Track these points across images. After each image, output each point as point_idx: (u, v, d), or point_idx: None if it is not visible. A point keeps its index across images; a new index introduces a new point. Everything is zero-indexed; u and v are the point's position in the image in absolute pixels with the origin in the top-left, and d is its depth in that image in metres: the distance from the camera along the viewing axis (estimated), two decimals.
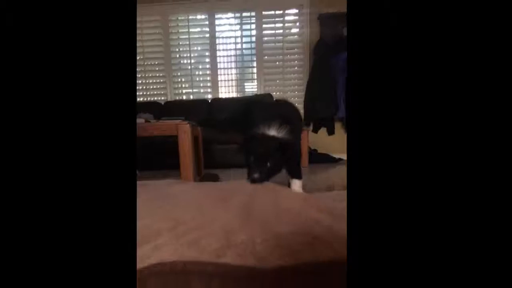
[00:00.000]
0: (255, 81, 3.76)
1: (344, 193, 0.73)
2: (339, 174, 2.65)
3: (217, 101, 3.57)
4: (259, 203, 0.53)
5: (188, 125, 1.76)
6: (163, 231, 0.40)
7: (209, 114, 3.36)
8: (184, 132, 1.75)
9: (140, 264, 0.33)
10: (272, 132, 0.94)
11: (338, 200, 0.59)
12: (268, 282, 0.32)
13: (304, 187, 1.10)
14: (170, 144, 1.81)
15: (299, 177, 1.08)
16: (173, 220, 0.46)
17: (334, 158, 3.44)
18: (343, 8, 3.33)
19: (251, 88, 3.80)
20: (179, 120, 1.84)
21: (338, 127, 3.61)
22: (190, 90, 3.82)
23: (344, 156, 3.50)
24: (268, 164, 0.88)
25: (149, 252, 0.35)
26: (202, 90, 3.82)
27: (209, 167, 2.67)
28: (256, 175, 0.83)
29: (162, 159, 2.80)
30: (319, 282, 0.34)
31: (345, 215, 0.54)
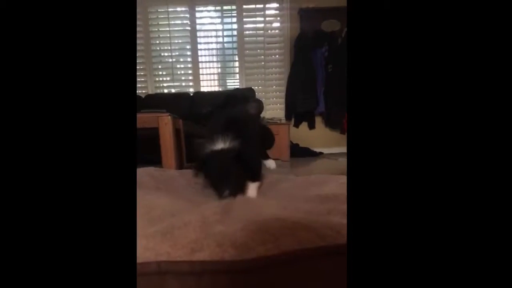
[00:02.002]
0: (237, 75, 3.76)
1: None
2: (320, 167, 2.71)
3: (199, 94, 3.54)
4: (237, 204, 0.54)
5: (169, 116, 1.75)
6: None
7: (191, 108, 3.33)
8: (165, 123, 1.74)
9: None
10: (220, 145, 0.78)
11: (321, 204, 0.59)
12: (250, 275, 0.32)
13: None
14: (146, 138, 1.77)
15: (256, 178, 0.87)
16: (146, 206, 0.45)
17: (315, 152, 3.51)
18: (322, 3, 3.39)
19: (233, 82, 3.79)
20: (160, 112, 1.82)
21: (319, 121, 3.68)
22: (172, 84, 3.77)
23: (324, 150, 3.57)
24: (231, 178, 0.74)
25: None
26: (183, 84, 3.78)
27: (192, 161, 2.65)
28: (226, 192, 0.72)
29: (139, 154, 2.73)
30: (304, 270, 0.34)
31: (327, 211, 0.52)
